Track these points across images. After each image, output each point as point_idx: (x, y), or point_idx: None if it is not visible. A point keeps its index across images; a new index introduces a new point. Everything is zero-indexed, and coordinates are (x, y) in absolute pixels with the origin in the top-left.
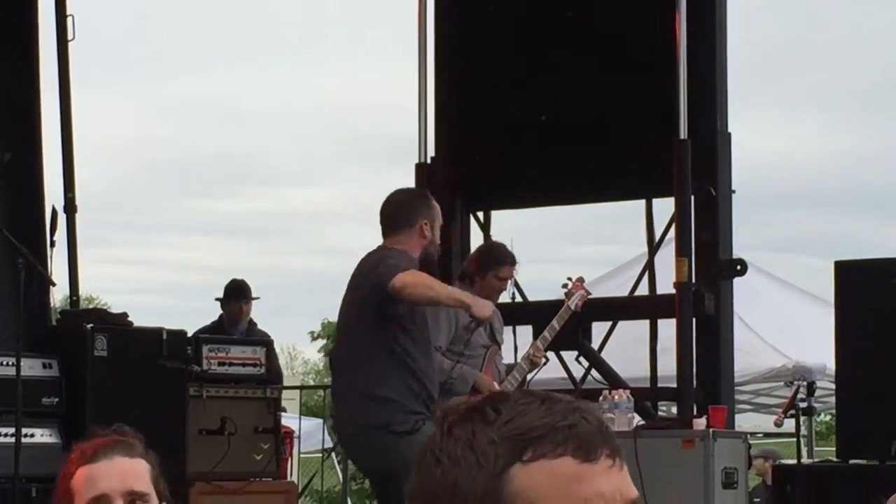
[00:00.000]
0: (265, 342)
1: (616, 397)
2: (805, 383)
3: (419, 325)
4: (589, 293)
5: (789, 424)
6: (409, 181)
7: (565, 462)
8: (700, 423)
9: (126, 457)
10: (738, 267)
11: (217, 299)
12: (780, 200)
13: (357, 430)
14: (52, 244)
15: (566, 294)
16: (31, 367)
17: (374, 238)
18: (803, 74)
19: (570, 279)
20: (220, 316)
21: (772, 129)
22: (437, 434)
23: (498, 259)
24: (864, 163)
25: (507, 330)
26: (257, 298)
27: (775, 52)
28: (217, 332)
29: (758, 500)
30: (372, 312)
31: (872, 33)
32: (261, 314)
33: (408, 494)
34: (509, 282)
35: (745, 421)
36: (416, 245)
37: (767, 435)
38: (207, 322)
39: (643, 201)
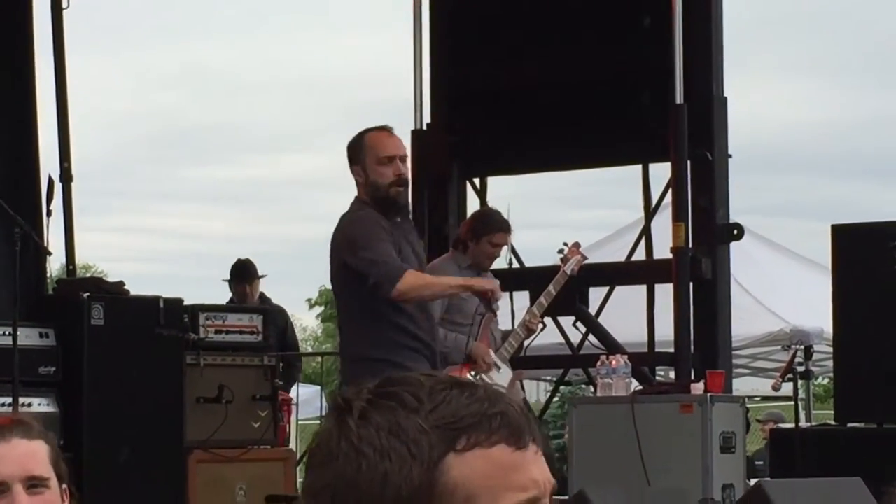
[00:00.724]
0: (263, 310)
1: (613, 362)
2: (802, 347)
3: None
4: (585, 258)
5: (787, 388)
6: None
7: (501, 450)
8: (698, 388)
9: (24, 438)
10: (735, 231)
11: (224, 280)
12: (777, 165)
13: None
14: (49, 213)
15: (562, 259)
16: (28, 337)
17: None
18: (799, 38)
19: (566, 244)
20: (231, 297)
21: (768, 93)
22: (345, 421)
23: (491, 225)
24: (860, 126)
25: (504, 296)
26: (264, 276)
27: (771, 16)
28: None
29: (760, 463)
30: (348, 279)
31: None
32: (264, 282)
33: (308, 487)
34: (505, 248)
35: (743, 385)
36: (362, 191)
37: (765, 399)
38: (210, 293)
39: (640, 166)
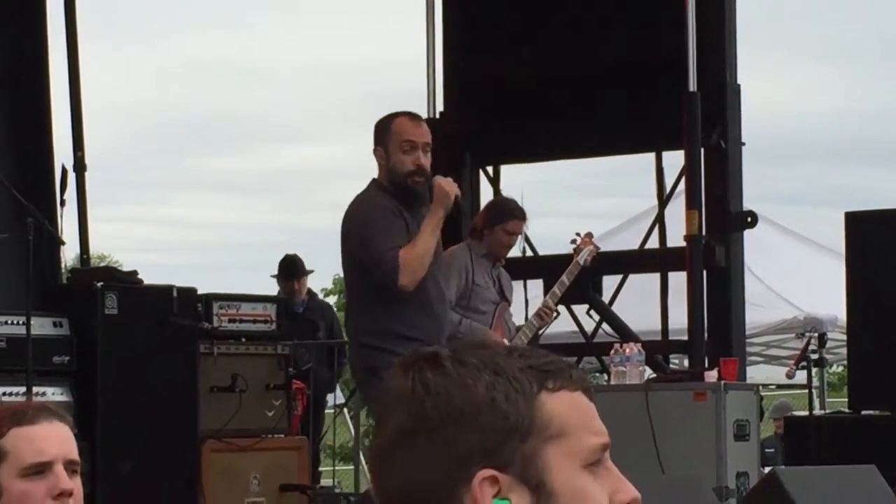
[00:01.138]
0: (276, 299)
1: (627, 350)
2: (816, 335)
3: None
4: (598, 248)
5: (800, 376)
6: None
7: (580, 396)
8: (711, 376)
9: (62, 423)
10: (749, 219)
11: (272, 276)
12: (790, 152)
13: (356, 373)
14: (63, 203)
15: (575, 250)
16: (42, 326)
17: None
18: (814, 25)
19: (578, 234)
20: (278, 292)
21: (781, 80)
22: (441, 364)
23: (506, 213)
24: (875, 114)
25: (518, 284)
26: (311, 272)
27: (785, 2)
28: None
29: (770, 450)
30: (352, 265)
31: None
32: (272, 271)
33: (392, 430)
34: (518, 237)
35: (757, 373)
36: (382, 174)
37: (780, 387)
38: (222, 282)
39: (653, 154)
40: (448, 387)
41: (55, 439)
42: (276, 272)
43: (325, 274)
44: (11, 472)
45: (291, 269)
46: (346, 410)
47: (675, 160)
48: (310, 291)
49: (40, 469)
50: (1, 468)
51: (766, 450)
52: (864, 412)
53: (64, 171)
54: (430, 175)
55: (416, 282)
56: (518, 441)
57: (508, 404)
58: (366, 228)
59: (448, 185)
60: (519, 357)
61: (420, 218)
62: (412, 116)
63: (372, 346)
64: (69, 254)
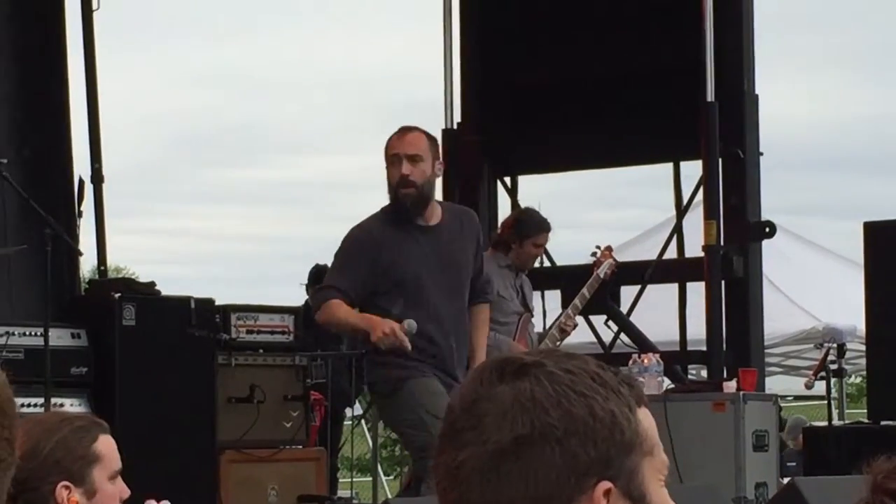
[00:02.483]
0: (293, 310)
1: (645, 361)
2: (835, 345)
3: (399, 284)
4: (617, 262)
5: (819, 387)
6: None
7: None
8: (730, 386)
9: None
10: (767, 229)
11: (302, 284)
12: (809, 162)
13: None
14: (80, 215)
15: (595, 263)
16: (60, 337)
17: None
18: (830, 34)
19: (598, 248)
20: (306, 300)
21: (798, 90)
22: (551, 372)
23: (536, 226)
24: (892, 123)
25: (536, 295)
26: None
27: (802, 11)
28: (305, 318)
29: (792, 464)
30: None
31: None
32: (290, 283)
33: (515, 439)
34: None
35: (775, 384)
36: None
37: (798, 398)
38: (240, 294)
39: (671, 165)
40: (569, 396)
41: (115, 451)
42: (305, 281)
43: None
44: (104, 475)
45: (321, 277)
46: (363, 422)
47: (692, 171)
48: None
49: (117, 475)
50: (95, 469)
51: (788, 463)
52: (883, 423)
53: (81, 183)
54: (419, 183)
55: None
56: (626, 455)
57: (622, 418)
58: (337, 254)
59: (381, 331)
60: (609, 371)
61: (421, 229)
62: (400, 130)
63: (372, 361)
64: (85, 266)
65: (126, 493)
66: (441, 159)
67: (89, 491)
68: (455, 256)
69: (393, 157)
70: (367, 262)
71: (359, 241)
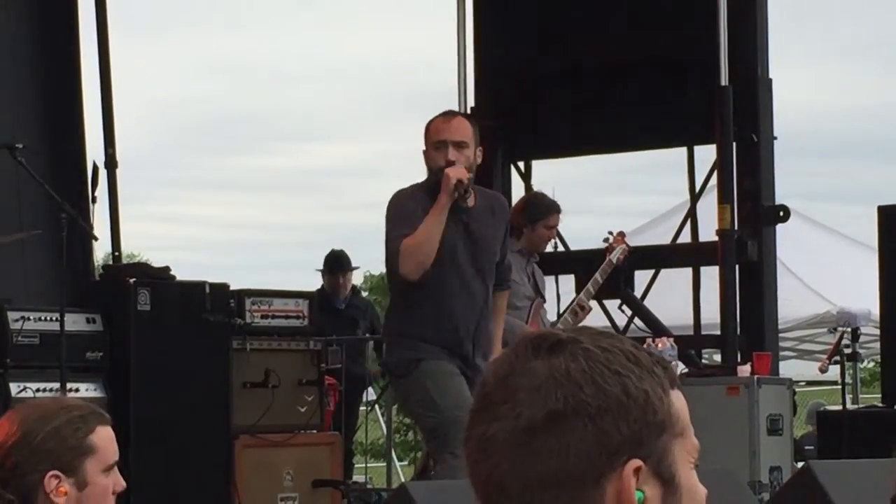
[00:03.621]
0: (308, 294)
1: (659, 345)
2: (849, 329)
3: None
4: (630, 247)
5: (832, 372)
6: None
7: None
8: (744, 370)
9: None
10: (781, 213)
11: (318, 270)
12: (822, 147)
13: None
14: (94, 200)
15: (608, 248)
16: (75, 322)
17: None
18: (848, 19)
19: (611, 233)
20: (322, 286)
21: (812, 74)
22: (587, 349)
23: (547, 209)
24: None
25: (550, 279)
26: (357, 268)
27: None
28: (321, 303)
29: (810, 447)
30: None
31: None
32: (304, 270)
33: (549, 413)
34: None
35: (789, 368)
36: (430, 172)
37: (810, 383)
38: (252, 280)
39: (684, 149)
40: (604, 374)
41: (113, 442)
42: (321, 267)
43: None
44: (97, 468)
45: (336, 263)
46: (377, 407)
47: (706, 155)
48: (353, 288)
49: (112, 467)
50: (89, 462)
51: (806, 447)
52: None
53: (95, 168)
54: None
55: (417, 269)
56: (658, 435)
57: (656, 398)
58: (386, 219)
59: (453, 171)
60: (644, 351)
61: (458, 208)
62: (445, 115)
63: (389, 343)
64: (98, 252)
65: (121, 485)
66: (481, 145)
67: (80, 482)
68: (487, 240)
69: (439, 143)
70: (419, 214)
71: (407, 199)
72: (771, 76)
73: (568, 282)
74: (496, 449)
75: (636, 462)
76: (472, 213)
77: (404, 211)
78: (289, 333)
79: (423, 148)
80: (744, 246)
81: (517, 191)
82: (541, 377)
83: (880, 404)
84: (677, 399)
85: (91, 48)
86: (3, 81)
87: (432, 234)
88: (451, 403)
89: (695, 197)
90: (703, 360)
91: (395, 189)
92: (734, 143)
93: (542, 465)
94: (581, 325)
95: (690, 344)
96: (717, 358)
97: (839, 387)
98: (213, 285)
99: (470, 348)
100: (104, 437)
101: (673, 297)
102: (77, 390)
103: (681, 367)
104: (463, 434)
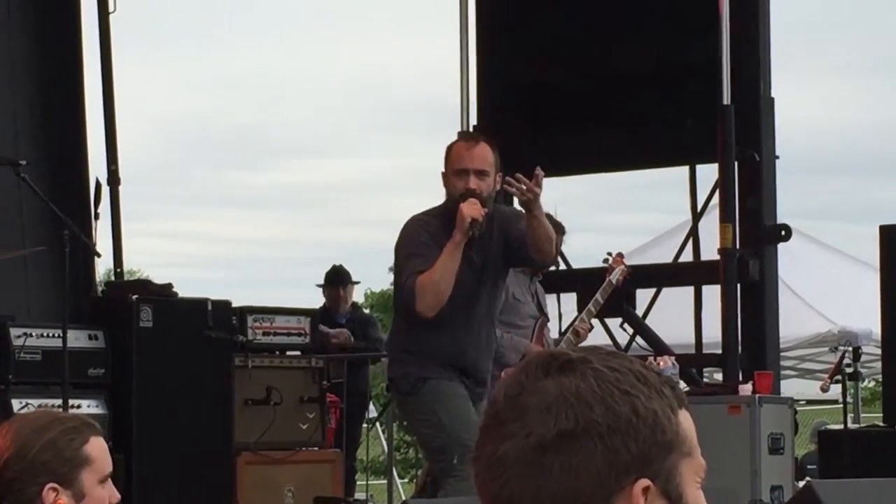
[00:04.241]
0: (309, 311)
1: (661, 364)
2: (851, 348)
3: None
4: (628, 268)
5: (834, 391)
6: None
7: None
8: (746, 389)
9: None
10: (783, 232)
11: (318, 286)
12: (824, 166)
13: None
14: (97, 217)
15: (607, 270)
16: (77, 339)
17: (413, 208)
18: (846, 38)
19: (610, 254)
20: (324, 303)
21: (814, 93)
22: (596, 368)
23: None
24: None
25: (551, 298)
26: (357, 283)
27: (818, 15)
28: (323, 318)
29: (812, 467)
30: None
31: None
32: (306, 286)
33: (559, 433)
34: None
35: (789, 387)
36: (448, 196)
37: (811, 402)
38: (253, 297)
39: (686, 168)
40: (613, 394)
41: (108, 453)
42: (322, 281)
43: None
44: (94, 478)
45: (336, 276)
46: (378, 425)
47: (708, 174)
48: (354, 304)
49: (107, 478)
50: (85, 473)
51: (809, 466)
52: None
53: (98, 185)
54: (484, 198)
55: (434, 307)
56: (666, 454)
57: (664, 418)
58: (399, 252)
59: (467, 208)
60: (653, 371)
61: (479, 246)
62: (467, 139)
63: (393, 358)
64: (100, 268)
65: (116, 496)
66: (501, 171)
67: (77, 494)
68: (493, 263)
69: (460, 171)
70: (433, 246)
71: (426, 233)
72: (773, 95)
73: (570, 300)
74: (506, 468)
75: (645, 481)
76: (482, 244)
77: (418, 243)
78: (291, 350)
79: (443, 170)
80: (745, 265)
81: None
82: (551, 396)
83: (882, 424)
84: (685, 419)
85: (93, 64)
86: (5, 98)
87: (447, 272)
88: (458, 424)
89: (697, 216)
90: (705, 379)
91: (395, 204)
92: (736, 162)
93: (552, 485)
94: (586, 344)
95: (692, 363)
96: (719, 377)
97: (840, 406)
98: (215, 302)
99: (473, 370)
100: (98, 448)
101: (674, 315)
102: (79, 407)
103: (682, 386)
104: (473, 453)
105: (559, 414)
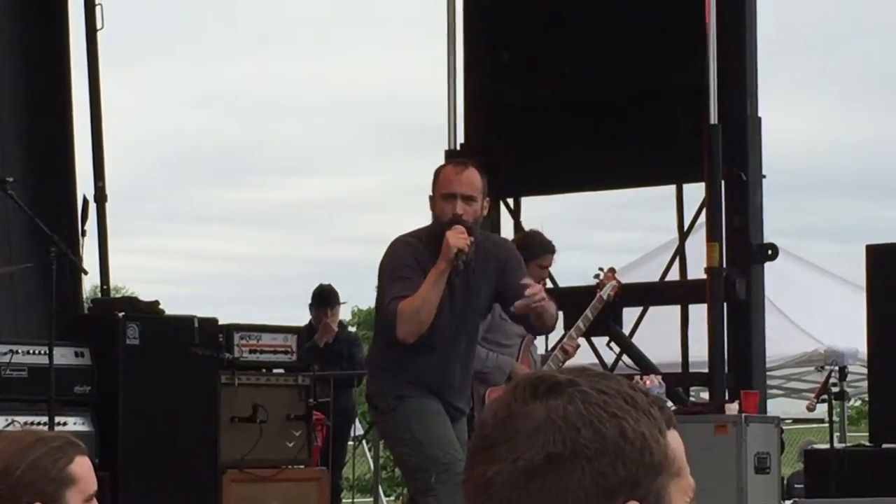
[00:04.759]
0: (296, 329)
1: (647, 382)
2: (837, 368)
3: None
4: (620, 283)
5: (820, 410)
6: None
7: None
8: (732, 409)
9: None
10: (770, 251)
11: (306, 304)
12: (810, 185)
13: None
14: (83, 234)
15: (598, 285)
16: (64, 356)
17: (401, 227)
18: (832, 58)
19: (601, 269)
20: (310, 321)
21: (800, 113)
22: (584, 391)
23: (541, 248)
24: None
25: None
26: (344, 303)
27: (802, 34)
28: (308, 337)
29: (800, 486)
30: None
31: None
32: (293, 303)
33: (547, 457)
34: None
35: (775, 406)
36: (435, 219)
37: (797, 420)
38: (240, 314)
39: (673, 187)
40: (601, 417)
41: (92, 472)
42: (310, 301)
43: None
44: (79, 498)
45: (323, 298)
46: (364, 443)
47: (695, 193)
48: (341, 323)
49: (92, 498)
50: (70, 492)
51: (796, 485)
52: (885, 445)
53: (85, 202)
54: (471, 224)
55: (414, 334)
56: (654, 476)
57: (652, 440)
58: (383, 273)
59: (453, 238)
60: (641, 391)
61: (461, 275)
62: (456, 165)
63: (371, 375)
64: (86, 285)
65: None
66: (488, 196)
67: None
68: (478, 297)
69: (448, 195)
70: (416, 269)
71: (404, 253)
72: (760, 114)
73: (558, 318)
74: (495, 490)
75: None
76: (468, 269)
77: (402, 266)
78: (277, 368)
79: (430, 193)
80: (732, 284)
81: (506, 227)
82: (539, 420)
83: (867, 443)
84: (673, 439)
85: (81, 81)
86: None
87: (429, 300)
88: (435, 443)
89: (683, 234)
90: (691, 398)
91: (384, 222)
92: (723, 182)
93: None
94: (573, 362)
95: (678, 381)
96: (705, 395)
97: (826, 425)
98: (201, 320)
99: (452, 396)
100: (83, 467)
101: (661, 334)
102: (65, 424)
103: (670, 405)
104: (460, 474)
105: (547, 437)
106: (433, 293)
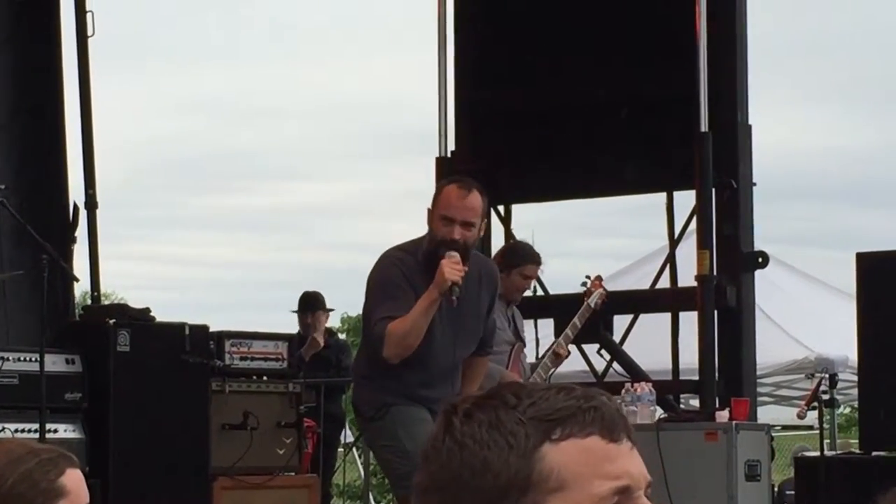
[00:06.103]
0: (287, 336)
1: (638, 390)
2: (827, 375)
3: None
4: (607, 291)
5: (810, 417)
6: (430, 176)
7: (594, 440)
8: (722, 416)
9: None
10: (760, 259)
11: (293, 311)
12: (800, 192)
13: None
14: (74, 240)
15: (585, 293)
16: (55, 363)
17: (391, 233)
18: (824, 65)
19: (588, 278)
20: (298, 331)
21: (791, 120)
22: (451, 421)
23: (523, 257)
24: (884, 154)
25: (529, 324)
26: (332, 310)
27: (794, 42)
28: (299, 345)
29: (791, 492)
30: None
31: (894, 22)
32: (281, 310)
33: (419, 485)
34: (532, 281)
35: (765, 414)
36: (429, 235)
37: (786, 428)
38: (230, 320)
39: (664, 194)
40: (450, 448)
41: (84, 486)
42: (295, 308)
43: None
44: None
45: (308, 303)
46: (354, 450)
47: (685, 200)
48: (329, 330)
49: None
50: None
51: (787, 492)
52: (875, 453)
53: (76, 209)
54: (463, 247)
55: (400, 356)
56: (517, 496)
57: (499, 463)
58: (371, 289)
59: (448, 271)
60: (529, 406)
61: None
62: (460, 186)
63: (357, 383)
64: (76, 292)
65: None
66: (487, 216)
67: None
68: (471, 309)
69: (447, 219)
70: (405, 287)
71: (394, 269)
72: (750, 122)
73: (547, 325)
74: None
75: None
76: (458, 288)
77: (390, 284)
78: (268, 375)
79: (430, 207)
80: (723, 291)
81: (497, 235)
82: (428, 444)
83: (857, 450)
84: (558, 451)
85: (72, 88)
86: None
87: (418, 325)
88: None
89: (674, 242)
90: (681, 406)
91: (373, 228)
92: (713, 189)
93: None
94: (554, 370)
95: (669, 389)
96: (695, 403)
97: (816, 432)
98: (192, 327)
99: (438, 399)
100: (75, 480)
101: (651, 341)
102: (56, 431)
103: (659, 412)
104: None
105: (427, 465)
106: (422, 320)
